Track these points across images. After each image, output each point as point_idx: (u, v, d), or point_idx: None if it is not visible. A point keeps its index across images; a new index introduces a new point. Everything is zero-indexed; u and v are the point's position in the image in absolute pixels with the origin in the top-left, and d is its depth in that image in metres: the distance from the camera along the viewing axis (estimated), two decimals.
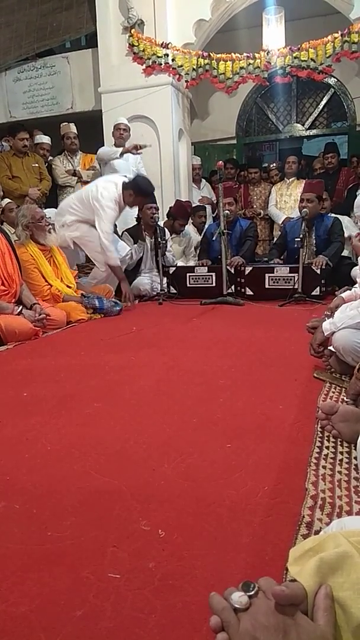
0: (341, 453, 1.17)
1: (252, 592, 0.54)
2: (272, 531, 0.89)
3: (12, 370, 2.14)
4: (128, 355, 2.27)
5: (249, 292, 3.94)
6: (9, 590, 0.77)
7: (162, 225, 4.42)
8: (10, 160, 4.54)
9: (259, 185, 5.53)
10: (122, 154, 4.49)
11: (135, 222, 4.46)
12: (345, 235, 4.00)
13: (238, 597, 0.53)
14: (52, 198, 4.95)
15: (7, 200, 3.95)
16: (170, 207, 4.76)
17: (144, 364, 2.11)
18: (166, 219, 4.78)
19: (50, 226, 3.55)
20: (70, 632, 0.69)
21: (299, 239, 3.55)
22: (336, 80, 6.14)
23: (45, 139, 5.06)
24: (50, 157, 5.15)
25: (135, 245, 4.23)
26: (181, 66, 4.96)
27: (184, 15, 5.02)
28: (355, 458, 1.13)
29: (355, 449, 1.17)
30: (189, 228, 5.01)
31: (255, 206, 5.49)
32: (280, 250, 4.27)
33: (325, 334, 1.76)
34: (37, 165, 4.69)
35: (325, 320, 1.81)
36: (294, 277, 3.71)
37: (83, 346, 2.55)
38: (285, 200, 5.23)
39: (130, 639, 0.67)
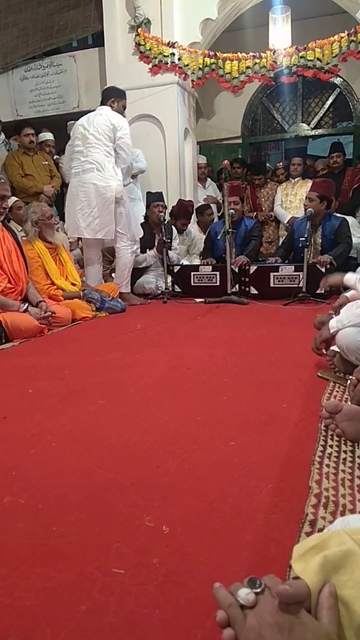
0: (345, 452, 1.17)
1: (258, 590, 0.54)
2: (275, 529, 0.89)
3: (18, 366, 2.15)
4: (132, 353, 2.28)
5: (253, 290, 3.94)
6: (14, 585, 0.77)
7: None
8: (21, 159, 4.57)
9: (266, 187, 5.53)
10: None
11: (143, 220, 4.47)
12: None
13: (245, 595, 0.53)
14: (58, 196, 4.97)
15: (14, 199, 3.98)
16: (172, 207, 4.76)
17: (148, 362, 2.11)
18: (169, 218, 4.79)
19: (58, 224, 3.58)
20: (75, 626, 0.69)
21: (303, 238, 3.55)
22: (342, 80, 6.11)
23: (49, 136, 5.08)
24: (57, 156, 5.17)
25: (152, 252, 4.26)
26: (187, 65, 4.96)
27: (191, 15, 5.01)
28: (359, 457, 1.13)
29: (359, 448, 1.17)
30: (192, 227, 5.02)
31: (264, 208, 5.48)
32: (288, 249, 4.25)
33: (332, 332, 1.75)
34: (47, 162, 4.72)
35: (333, 317, 1.81)
36: (298, 276, 3.71)
37: (88, 343, 2.56)
38: (291, 200, 5.23)
39: (134, 634, 0.68)
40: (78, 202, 3.71)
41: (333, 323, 1.75)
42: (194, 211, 5.31)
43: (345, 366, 1.76)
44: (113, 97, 3.84)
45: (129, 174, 4.01)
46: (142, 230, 4.09)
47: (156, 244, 4.27)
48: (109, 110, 3.78)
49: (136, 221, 4.03)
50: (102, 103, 3.88)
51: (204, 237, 4.89)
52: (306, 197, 3.86)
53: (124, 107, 3.93)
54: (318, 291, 2.11)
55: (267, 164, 6.32)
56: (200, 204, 5.52)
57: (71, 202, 3.79)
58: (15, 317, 2.70)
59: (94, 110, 3.88)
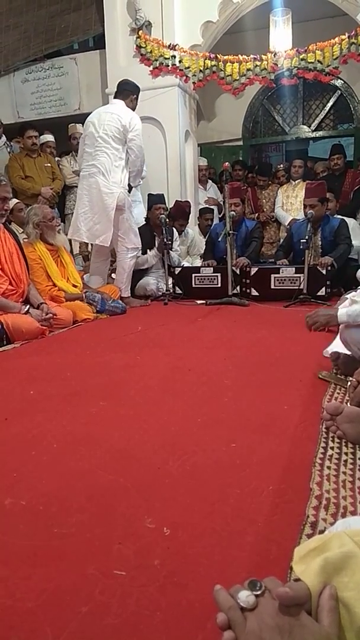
0: (346, 454, 1.17)
1: (258, 592, 0.54)
2: (276, 530, 0.89)
3: (19, 368, 2.15)
4: (133, 354, 2.28)
5: (254, 292, 3.94)
6: (15, 586, 0.77)
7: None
8: (23, 161, 4.60)
9: (267, 188, 5.54)
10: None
11: (144, 222, 4.48)
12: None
13: (245, 597, 0.53)
14: (60, 197, 4.99)
15: (15, 201, 3.99)
16: (170, 208, 4.77)
17: (149, 363, 2.12)
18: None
19: (59, 226, 3.58)
20: (76, 627, 0.69)
21: (304, 240, 3.55)
22: (343, 82, 6.13)
23: (49, 137, 5.09)
24: (58, 158, 5.19)
25: (153, 252, 4.26)
26: (188, 68, 4.97)
27: (192, 17, 5.02)
28: None
29: None
30: (190, 228, 5.03)
31: (265, 209, 5.50)
32: (287, 251, 4.27)
33: (339, 320, 1.75)
34: (49, 165, 4.74)
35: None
36: (299, 277, 3.71)
37: (89, 345, 2.56)
38: (292, 202, 5.24)
39: (135, 635, 0.68)
40: (82, 205, 3.71)
41: (343, 317, 1.74)
42: (197, 213, 5.33)
43: (347, 368, 1.76)
44: (135, 94, 3.79)
45: (139, 175, 3.95)
46: (139, 239, 4.03)
47: (156, 244, 4.27)
48: (123, 106, 3.70)
49: (135, 229, 3.97)
50: (119, 97, 3.77)
51: (204, 239, 4.89)
52: (306, 206, 3.85)
53: (136, 105, 3.90)
54: (314, 327, 2.28)
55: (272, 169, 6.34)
56: (202, 207, 5.53)
57: (77, 204, 3.80)
58: (16, 319, 2.70)
59: (100, 108, 3.85)
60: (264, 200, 5.53)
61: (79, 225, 3.72)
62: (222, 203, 5.45)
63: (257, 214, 5.40)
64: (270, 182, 5.61)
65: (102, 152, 3.61)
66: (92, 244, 4.25)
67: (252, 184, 5.71)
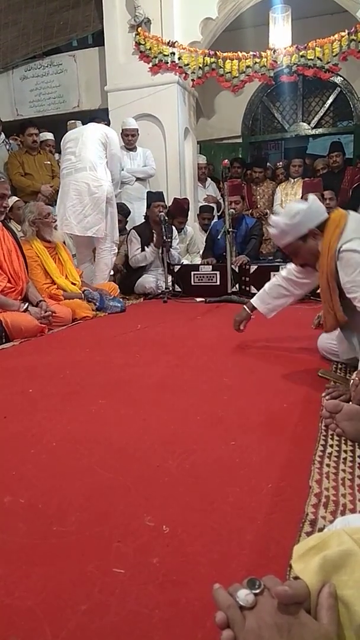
0: (345, 451, 1.17)
1: (257, 590, 0.54)
2: (275, 528, 0.89)
3: (18, 366, 2.15)
4: (133, 352, 2.28)
5: (253, 290, 3.94)
6: (14, 585, 0.77)
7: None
8: (23, 158, 4.59)
9: (262, 184, 5.54)
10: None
11: (143, 220, 4.47)
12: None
13: (244, 596, 0.53)
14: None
15: (14, 198, 3.98)
16: (169, 206, 4.77)
17: (149, 362, 2.12)
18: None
19: (56, 223, 3.58)
20: (75, 626, 0.69)
21: None
22: (342, 79, 6.11)
23: (49, 136, 5.09)
24: (57, 155, 5.19)
25: (150, 248, 4.26)
26: (187, 65, 4.96)
27: (191, 14, 5.01)
28: (359, 456, 1.13)
29: (359, 448, 1.17)
30: (189, 226, 5.02)
31: (259, 205, 5.49)
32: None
33: None
34: (49, 162, 4.73)
35: None
36: None
37: (88, 343, 2.56)
38: (290, 200, 5.24)
39: (134, 633, 0.68)
40: (69, 199, 3.76)
41: None
42: (196, 210, 5.31)
43: None
44: (107, 123, 4.10)
45: (118, 184, 4.15)
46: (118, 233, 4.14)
47: (154, 239, 4.26)
48: (100, 124, 3.96)
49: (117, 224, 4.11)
50: (94, 121, 4.02)
51: (204, 235, 4.89)
52: (304, 199, 3.86)
53: None
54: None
55: (268, 163, 6.33)
56: (201, 205, 5.52)
57: (62, 199, 3.86)
58: (15, 317, 2.70)
59: (94, 110, 3.95)
60: (258, 197, 5.53)
61: (68, 219, 3.78)
62: (220, 201, 5.45)
63: (250, 210, 5.40)
64: (265, 176, 5.61)
65: (86, 149, 3.75)
66: (71, 238, 4.28)
67: (249, 180, 5.70)
